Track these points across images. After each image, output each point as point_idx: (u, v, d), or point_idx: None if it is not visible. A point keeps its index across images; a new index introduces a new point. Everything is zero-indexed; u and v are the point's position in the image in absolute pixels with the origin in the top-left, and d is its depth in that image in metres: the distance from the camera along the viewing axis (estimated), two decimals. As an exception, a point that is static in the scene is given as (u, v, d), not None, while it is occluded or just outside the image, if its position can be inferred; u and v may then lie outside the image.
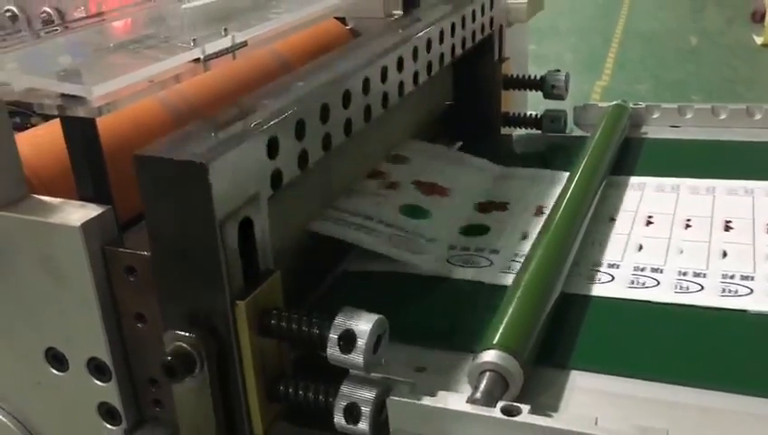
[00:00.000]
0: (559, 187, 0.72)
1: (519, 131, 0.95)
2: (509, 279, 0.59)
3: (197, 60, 0.52)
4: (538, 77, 0.92)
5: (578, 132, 0.91)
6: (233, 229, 0.44)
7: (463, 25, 0.79)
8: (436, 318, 0.58)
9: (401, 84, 0.67)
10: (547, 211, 0.69)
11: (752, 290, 0.56)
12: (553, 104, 0.93)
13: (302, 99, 0.54)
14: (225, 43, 0.55)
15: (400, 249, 0.64)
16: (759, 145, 0.82)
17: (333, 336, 0.44)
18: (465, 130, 0.91)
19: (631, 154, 0.83)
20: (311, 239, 0.65)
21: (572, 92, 0.93)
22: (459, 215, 0.72)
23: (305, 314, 0.46)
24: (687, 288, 0.58)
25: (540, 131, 0.92)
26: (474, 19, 0.82)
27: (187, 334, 0.45)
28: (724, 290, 0.57)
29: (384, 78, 0.64)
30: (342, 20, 0.94)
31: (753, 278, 0.58)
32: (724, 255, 0.61)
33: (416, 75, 0.70)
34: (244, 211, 0.45)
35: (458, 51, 0.79)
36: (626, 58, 4.39)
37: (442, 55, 0.75)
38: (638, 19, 5.21)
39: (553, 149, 0.88)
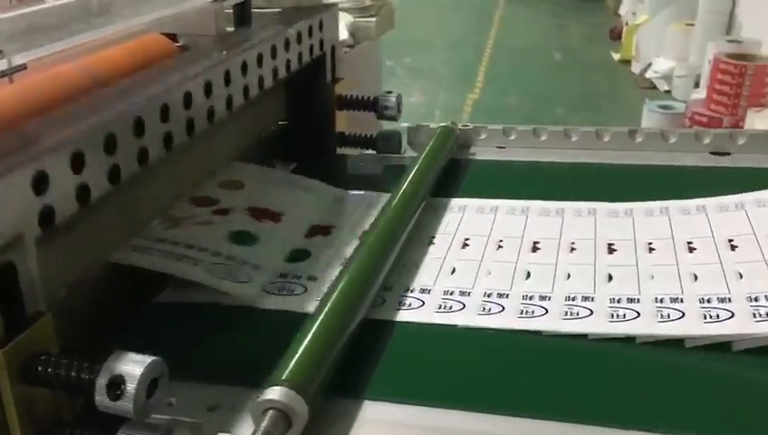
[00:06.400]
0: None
1: (354, 151, 0.95)
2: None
3: (-37, 84, 0.48)
4: (371, 98, 0.92)
5: (410, 153, 0.92)
6: None
7: (286, 48, 0.78)
8: (237, 352, 0.56)
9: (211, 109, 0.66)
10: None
11: (547, 311, 0.59)
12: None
13: (82, 124, 0.50)
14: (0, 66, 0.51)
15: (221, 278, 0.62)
16: (578, 166, 0.86)
17: (102, 382, 0.42)
18: (300, 151, 0.90)
19: (459, 175, 0.85)
20: (116, 270, 0.62)
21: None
22: (288, 240, 0.71)
23: (77, 358, 0.44)
24: (490, 310, 0.59)
25: (375, 152, 0.93)
26: (300, 41, 0.81)
27: None
28: (523, 312, 0.59)
29: (188, 105, 0.62)
30: (174, 37, 0.91)
31: (550, 298, 0.60)
32: (528, 275, 0.64)
33: (229, 99, 0.69)
34: (3, 256, 0.42)
35: (282, 73, 0.78)
36: (496, 72, 4.56)
37: (261, 79, 0.74)
38: (507, 35, 5.44)
39: (386, 170, 0.88)
